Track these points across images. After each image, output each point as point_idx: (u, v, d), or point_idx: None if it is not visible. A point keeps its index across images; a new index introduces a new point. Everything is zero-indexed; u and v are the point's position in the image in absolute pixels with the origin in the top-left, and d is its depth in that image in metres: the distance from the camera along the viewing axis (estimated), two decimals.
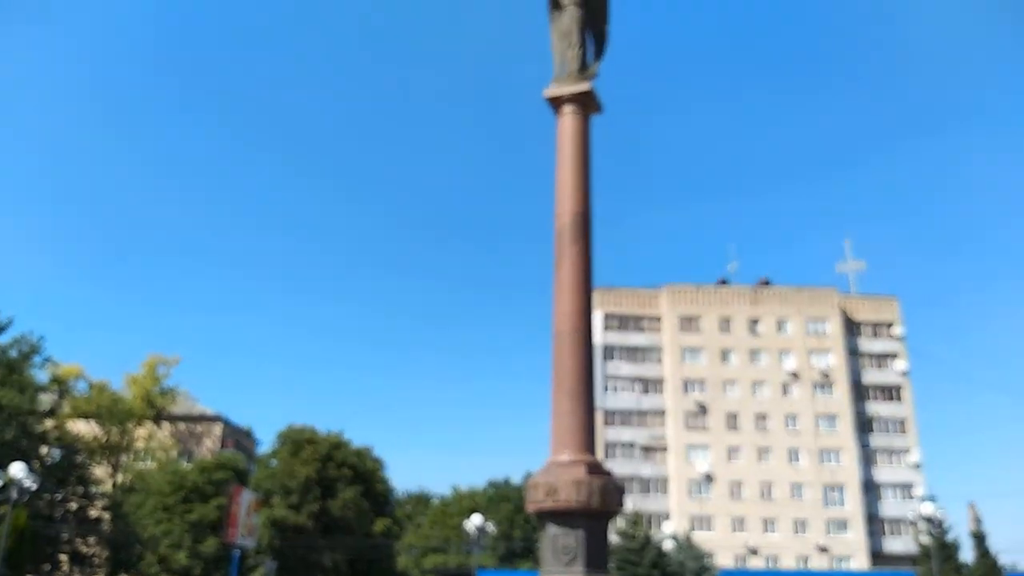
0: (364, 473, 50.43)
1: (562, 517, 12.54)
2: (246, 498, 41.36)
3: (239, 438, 65.43)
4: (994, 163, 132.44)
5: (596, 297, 71.86)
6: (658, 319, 73.86)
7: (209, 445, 60.43)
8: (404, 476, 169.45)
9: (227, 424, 63.28)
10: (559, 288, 14.15)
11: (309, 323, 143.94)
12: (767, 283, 74.94)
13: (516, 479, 69.12)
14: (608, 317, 72.98)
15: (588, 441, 13.54)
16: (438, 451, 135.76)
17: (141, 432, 54.13)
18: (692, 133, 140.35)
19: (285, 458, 47.44)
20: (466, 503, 66.74)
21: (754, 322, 72.96)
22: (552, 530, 12.54)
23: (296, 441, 47.93)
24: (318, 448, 47.44)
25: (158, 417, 54.01)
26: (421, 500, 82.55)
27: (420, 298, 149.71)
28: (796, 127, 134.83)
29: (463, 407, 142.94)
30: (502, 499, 66.78)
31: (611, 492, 12.86)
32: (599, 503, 12.52)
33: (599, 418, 68.87)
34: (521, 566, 58.52)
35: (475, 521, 42.28)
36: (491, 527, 47.79)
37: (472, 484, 72.90)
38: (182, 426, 61.18)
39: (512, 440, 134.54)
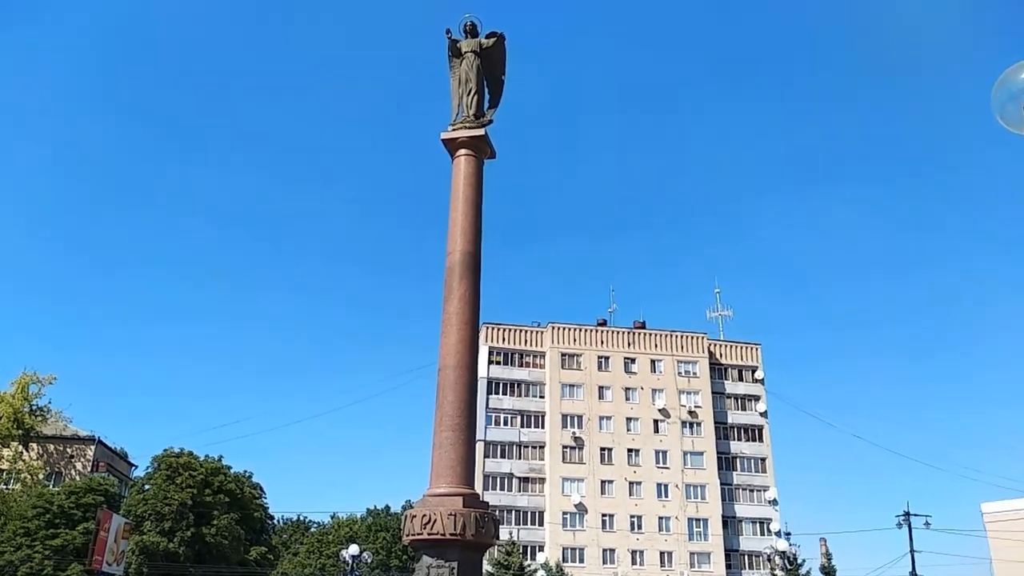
0: (242, 499, 49.31)
1: (437, 548, 12.70)
2: (115, 523, 39.73)
3: (113, 461, 62.34)
4: (852, 218, 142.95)
5: (483, 332, 73.07)
6: (542, 355, 75.83)
7: (80, 468, 57.35)
8: (284, 502, 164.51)
9: (101, 446, 60.28)
10: (447, 323, 14.30)
11: (194, 345, 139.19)
12: (643, 325, 78.39)
13: (396, 507, 68.96)
14: (493, 352, 74.28)
15: (467, 473, 13.71)
16: (320, 478, 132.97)
17: (6, 453, 50.89)
18: (578, 178, 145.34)
19: (160, 483, 45.84)
20: (344, 531, 65.87)
21: (630, 361, 75.99)
22: (427, 561, 12.73)
23: (172, 465, 46.44)
24: (195, 473, 46.17)
25: (27, 437, 51.00)
26: (299, 527, 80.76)
27: (304, 324, 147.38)
28: (675, 176, 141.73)
29: (348, 435, 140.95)
30: (381, 528, 66.34)
31: (487, 524, 13.05)
32: (474, 535, 12.69)
33: (480, 449, 69.66)
34: None
35: (352, 550, 42.16)
36: (368, 556, 47.62)
37: (352, 512, 72.23)
38: (52, 447, 57.87)
39: (396, 468, 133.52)
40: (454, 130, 15.37)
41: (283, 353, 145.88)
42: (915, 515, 60.12)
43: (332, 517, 73.36)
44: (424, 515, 12.81)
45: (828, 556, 61.87)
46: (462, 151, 15.20)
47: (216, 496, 46.81)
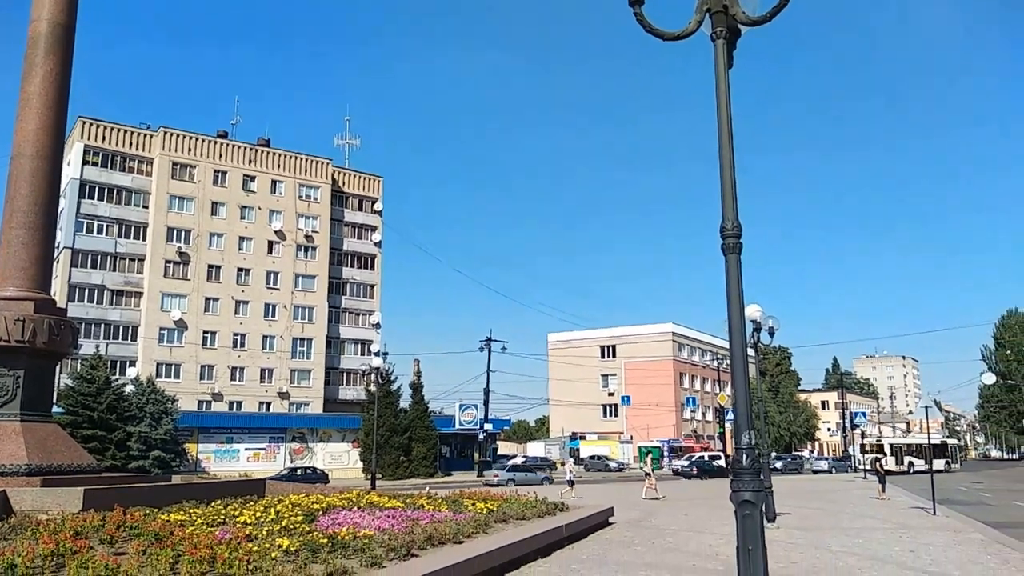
0: None
1: (1, 355, 11.90)
2: None
3: None
4: (489, 68, 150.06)
5: (78, 128, 64.46)
6: (149, 162, 69.12)
7: None
8: None
9: None
10: (25, 104, 12.92)
11: None
12: (267, 144, 75.15)
13: None
14: (90, 151, 65.88)
15: (42, 277, 12.76)
16: None
17: None
18: None
19: None
20: None
21: (250, 179, 73.04)
22: None
23: None
24: None
25: None
26: None
27: None
28: None
29: None
30: None
31: (63, 332, 12.32)
32: (46, 342, 11.93)
33: (67, 257, 63.00)
34: None
35: None
36: None
37: None
38: None
39: None
40: None
41: None
42: (495, 341, 69.22)
43: None
44: None
45: (419, 374, 68.50)
46: None
47: None
